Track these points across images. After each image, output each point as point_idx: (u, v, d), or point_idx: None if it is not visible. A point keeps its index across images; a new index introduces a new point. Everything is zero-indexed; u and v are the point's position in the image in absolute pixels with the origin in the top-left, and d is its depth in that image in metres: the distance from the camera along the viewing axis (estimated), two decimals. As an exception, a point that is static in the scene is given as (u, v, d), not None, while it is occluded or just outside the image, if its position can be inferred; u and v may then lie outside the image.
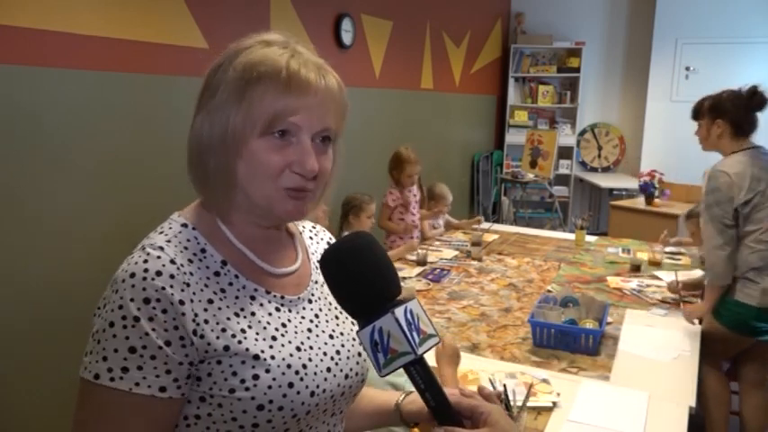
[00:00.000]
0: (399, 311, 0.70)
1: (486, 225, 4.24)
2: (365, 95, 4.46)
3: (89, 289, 2.27)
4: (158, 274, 0.74)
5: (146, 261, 0.75)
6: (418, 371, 0.72)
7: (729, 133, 2.51)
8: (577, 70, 6.65)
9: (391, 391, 1.06)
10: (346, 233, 0.79)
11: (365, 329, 0.71)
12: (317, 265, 0.94)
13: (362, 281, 0.73)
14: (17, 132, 2.18)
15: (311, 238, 0.99)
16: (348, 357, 0.88)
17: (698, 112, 2.63)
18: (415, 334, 0.70)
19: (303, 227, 1.00)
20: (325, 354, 0.85)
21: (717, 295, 2.46)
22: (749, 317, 2.41)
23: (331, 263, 0.76)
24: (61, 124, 2.32)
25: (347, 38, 4.11)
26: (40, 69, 2.24)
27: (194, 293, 0.76)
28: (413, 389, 1.56)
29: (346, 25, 4.08)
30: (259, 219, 0.84)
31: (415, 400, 0.96)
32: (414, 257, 3.31)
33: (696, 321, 2.44)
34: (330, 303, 0.92)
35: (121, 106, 2.56)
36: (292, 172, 0.79)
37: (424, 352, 0.71)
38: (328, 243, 1.01)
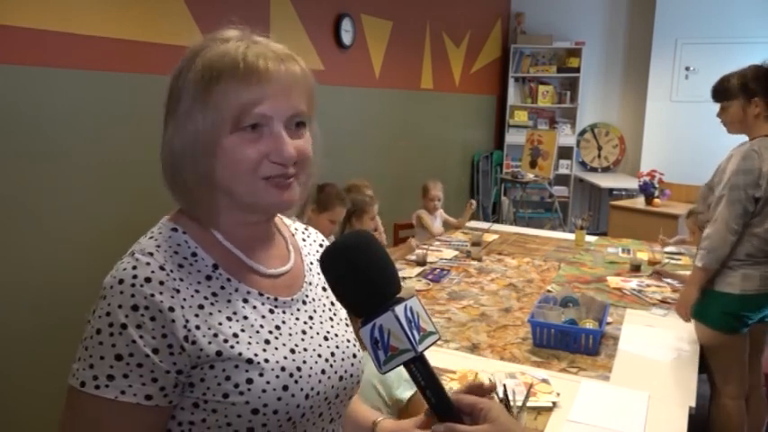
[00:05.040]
0: (399, 309, 0.70)
1: (486, 225, 4.23)
2: (365, 95, 4.46)
3: (88, 288, 2.27)
4: (147, 280, 0.73)
5: (135, 267, 0.74)
6: (418, 368, 0.72)
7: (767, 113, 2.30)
8: (577, 70, 6.65)
9: (371, 410, 1.05)
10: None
11: (365, 327, 0.71)
12: (311, 266, 0.94)
13: (363, 278, 0.72)
14: (17, 132, 2.18)
15: (304, 240, 0.98)
16: (343, 359, 0.87)
17: (725, 93, 2.38)
18: (415, 332, 0.70)
19: (296, 228, 0.99)
20: (319, 356, 0.84)
21: (705, 280, 2.33)
22: (734, 307, 2.32)
23: (331, 260, 0.75)
24: (61, 124, 2.32)
25: (347, 38, 4.11)
26: (40, 69, 2.24)
27: (184, 299, 0.75)
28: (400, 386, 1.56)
29: (346, 25, 4.08)
30: (247, 215, 0.83)
31: (391, 423, 0.95)
32: (414, 257, 3.31)
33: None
34: (324, 305, 0.91)
35: (121, 106, 2.56)
36: (271, 162, 0.78)
37: (425, 349, 0.71)
38: (321, 245, 1.00)
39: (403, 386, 1.53)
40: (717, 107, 2.48)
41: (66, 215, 2.36)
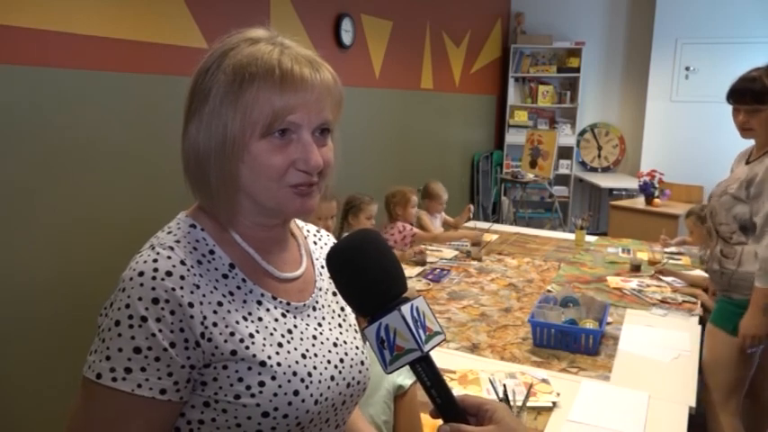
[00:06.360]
0: (406, 309, 0.70)
1: (486, 225, 4.24)
2: (365, 95, 4.45)
3: (90, 287, 2.28)
4: (168, 274, 0.73)
5: (155, 260, 0.74)
6: (424, 368, 0.72)
7: None
8: (577, 70, 6.65)
9: (371, 428, 1.05)
10: (346, 234, 0.79)
11: (371, 326, 0.71)
12: (321, 271, 0.94)
13: (369, 278, 0.72)
14: (17, 132, 2.18)
15: (315, 243, 0.98)
16: (351, 366, 0.87)
17: (760, 95, 2.14)
18: (421, 331, 0.70)
19: (308, 231, 0.98)
20: (329, 362, 0.84)
21: None
22: None
23: (337, 260, 0.75)
24: (61, 124, 2.32)
25: (347, 38, 4.11)
26: (41, 69, 2.24)
27: (204, 295, 0.75)
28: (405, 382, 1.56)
29: (346, 25, 4.08)
30: (266, 219, 0.83)
31: None
32: (413, 258, 3.31)
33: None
34: (333, 311, 0.91)
35: (121, 106, 2.56)
36: (297, 170, 0.78)
37: (430, 349, 0.71)
38: None
39: (404, 374, 1.53)
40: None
41: (66, 214, 2.36)
